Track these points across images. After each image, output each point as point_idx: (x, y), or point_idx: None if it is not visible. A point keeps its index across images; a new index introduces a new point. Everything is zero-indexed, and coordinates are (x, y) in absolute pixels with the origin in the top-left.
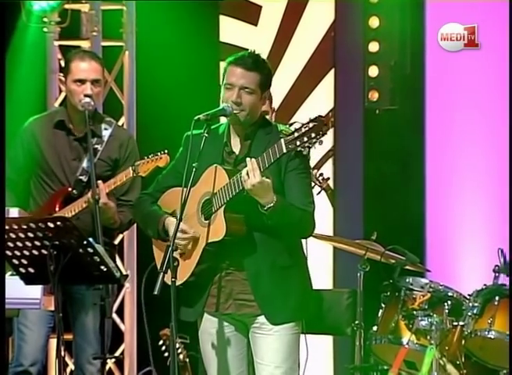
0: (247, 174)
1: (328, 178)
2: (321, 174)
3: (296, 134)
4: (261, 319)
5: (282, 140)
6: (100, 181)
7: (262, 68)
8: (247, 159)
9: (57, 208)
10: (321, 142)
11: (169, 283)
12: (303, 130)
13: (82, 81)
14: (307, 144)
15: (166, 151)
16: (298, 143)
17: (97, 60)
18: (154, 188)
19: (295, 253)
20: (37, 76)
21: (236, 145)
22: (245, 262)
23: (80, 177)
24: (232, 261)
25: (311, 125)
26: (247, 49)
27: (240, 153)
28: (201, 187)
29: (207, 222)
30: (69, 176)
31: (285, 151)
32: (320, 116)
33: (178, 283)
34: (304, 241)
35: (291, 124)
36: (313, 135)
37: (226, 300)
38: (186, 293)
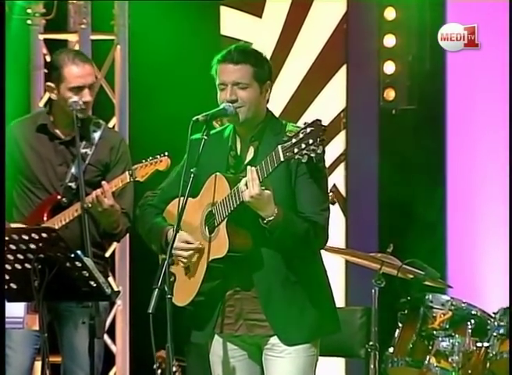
0: (246, 185)
1: (334, 185)
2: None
3: (293, 140)
4: (273, 339)
5: (280, 147)
6: (104, 182)
7: (253, 59)
8: (248, 168)
9: (45, 218)
10: (320, 150)
11: (178, 305)
12: (300, 135)
13: (80, 88)
14: (305, 152)
15: (166, 153)
16: (296, 150)
17: (89, 62)
18: (159, 199)
19: (312, 265)
20: (20, 73)
21: (242, 149)
22: (254, 279)
23: (70, 184)
24: (239, 278)
25: (308, 130)
26: (251, 43)
27: (247, 157)
28: (204, 197)
29: (210, 236)
30: (55, 183)
31: (282, 159)
32: (318, 119)
33: (184, 303)
34: None
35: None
36: (310, 141)
37: (236, 320)
38: (196, 313)
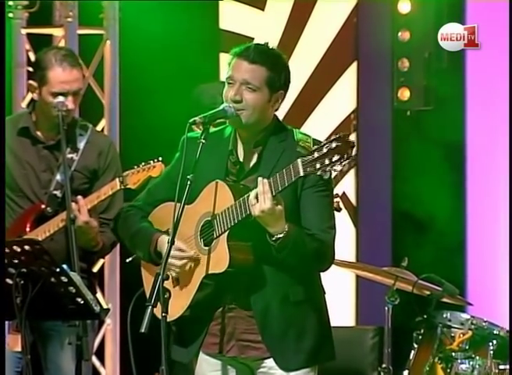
0: (256, 198)
1: (344, 193)
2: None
3: (316, 155)
4: (269, 362)
5: (299, 160)
6: (80, 197)
7: (272, 62)
8: (259, 179)
9: (28, 229)
10: (346, 167)
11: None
12: (324, 150)
13: (63, 94)
14: (328, 168)
15: (160, 158)
16: (318, 166)
17: (78, 66)
18: (144, 200)
19: (312, 285)
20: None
21: (243, 154)
22: (251, 297)
23: (55, 192)
24: (235, 295)
25: (333, 145)
26: (252, 38)
27: (248, 164)
28: (201, 205)
29: (207, 248)
30: (39, 191)
31: (302, 174)
32: (345, 134)
33: (170, 318)
34: None
35: (314, 141)
36: (335, 158)
37: (228, 340)
38: (180, 328)
